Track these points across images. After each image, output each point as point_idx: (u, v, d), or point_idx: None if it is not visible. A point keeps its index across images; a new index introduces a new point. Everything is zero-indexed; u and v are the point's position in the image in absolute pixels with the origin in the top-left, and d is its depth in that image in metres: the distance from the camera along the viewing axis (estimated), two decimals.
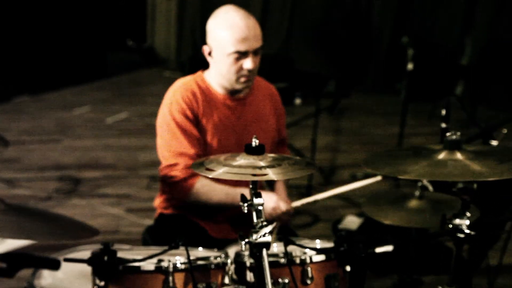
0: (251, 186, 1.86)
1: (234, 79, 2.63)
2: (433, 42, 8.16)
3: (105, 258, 1.90)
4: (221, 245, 2.61)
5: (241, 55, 2.58)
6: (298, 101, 7.86)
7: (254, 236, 1.78)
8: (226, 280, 2.08)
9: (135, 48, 10.26)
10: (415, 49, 8.25)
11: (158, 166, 2.71)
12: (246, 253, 2.13)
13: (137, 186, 5.06)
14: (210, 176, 1.84)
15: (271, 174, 1.79)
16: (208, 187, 2.65)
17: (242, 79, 2.63)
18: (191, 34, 9.49)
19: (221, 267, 2.09)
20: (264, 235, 1.76)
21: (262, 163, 1.84)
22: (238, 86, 2.66)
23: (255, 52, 2.60)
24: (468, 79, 8.24)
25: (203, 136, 2.66)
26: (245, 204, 1.84)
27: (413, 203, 2.60)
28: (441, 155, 2.06)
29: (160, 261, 2.00)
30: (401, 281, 2.62)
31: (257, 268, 1.80)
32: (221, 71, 2.64)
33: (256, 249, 1.78)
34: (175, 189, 2.65)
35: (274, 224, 1.80)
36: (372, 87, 8.77)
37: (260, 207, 1.82)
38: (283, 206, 2.65)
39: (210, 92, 2.70)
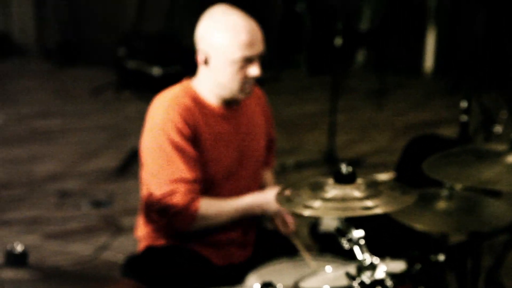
0: (342, 218, 1.86)
1: (237, 88, 2.59)
2: (328, 7, 8.36)
3: None
4: (228, 273, 2.60)
5: (247, 61, 2.54)
6: None
7: (368, 274, 1.79)
8: None
9: None
10: (313, 15, 8.45)
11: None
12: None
13: (45, 206, 4.68)
14: (307, 214, 1.81)
15: (381, 206, 1.79)
16: (214, 208, 2.60)
17: (247, 89, 2.60)
18: (54, 15, 9.05)
19: None
20: (380, 273, 1.77)
21: (358, 193, 1.83)
22: (241, 96, 2.63)
23: (260, 57, 2.58)
24: (370, 45, 8.54)
25: (202, 154, 2.60)
26: (344, 240, 1.84)
27: (442, 204, 2.68)
28: (511, 158, 2.16)
29: None
30: None
31: None
32: (221, 80, 2.58)
33: None
34: (177, 219, 2.56)
35: (387, 260, 1.81)
36: (268, 61, 8.84)
37: (362, 241, 1.82)
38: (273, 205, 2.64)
39: (204, 104, 2.64)
